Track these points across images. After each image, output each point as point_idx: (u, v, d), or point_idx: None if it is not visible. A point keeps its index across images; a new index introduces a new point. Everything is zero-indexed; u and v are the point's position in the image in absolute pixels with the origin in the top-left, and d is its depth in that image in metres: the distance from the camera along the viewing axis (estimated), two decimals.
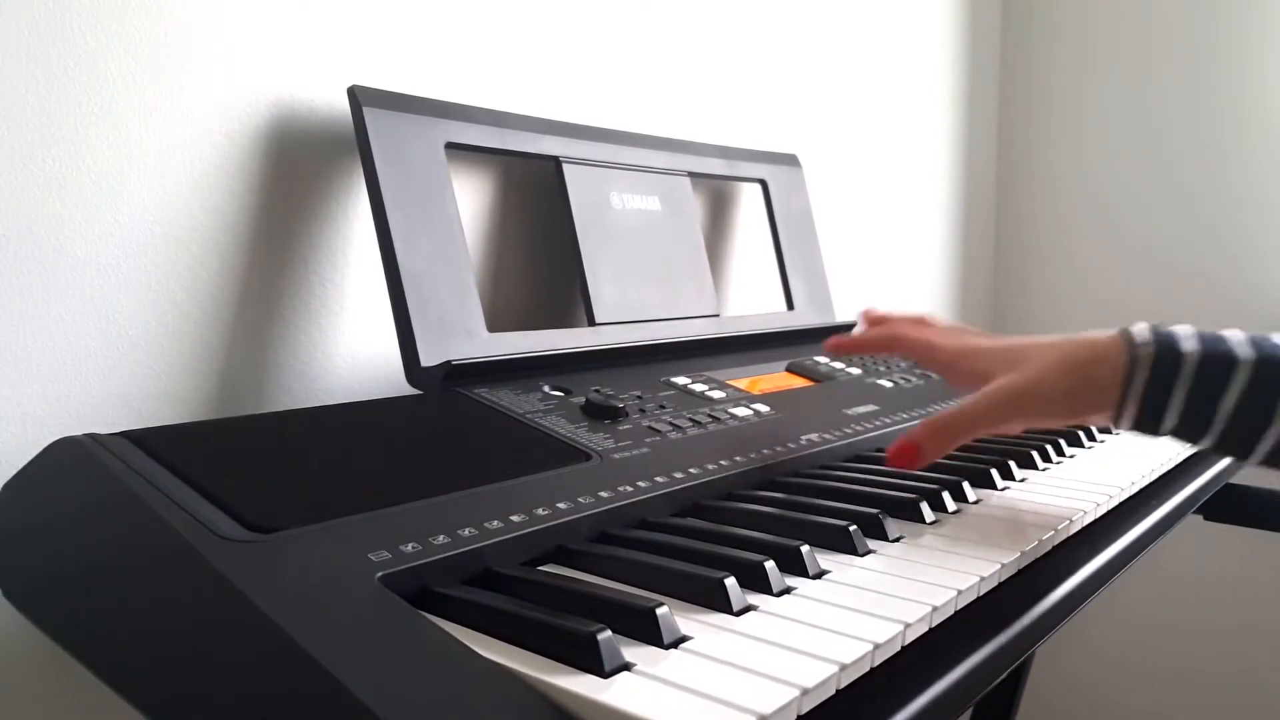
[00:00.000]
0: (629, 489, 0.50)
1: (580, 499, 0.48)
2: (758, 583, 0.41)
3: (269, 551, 0.37)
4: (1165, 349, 0.52)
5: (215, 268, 0.61)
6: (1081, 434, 0.75)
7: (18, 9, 0.52)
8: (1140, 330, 0.53)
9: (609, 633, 0.33)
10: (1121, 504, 0.62)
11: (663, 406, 0.63)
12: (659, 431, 0.59)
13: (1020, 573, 0.47)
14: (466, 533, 0.42)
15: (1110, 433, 0.78)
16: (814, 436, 0.65)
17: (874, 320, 0.68)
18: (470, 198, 0.75)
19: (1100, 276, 1.53)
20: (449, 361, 0.60)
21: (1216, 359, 0.51)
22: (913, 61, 1.37)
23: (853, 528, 0.47)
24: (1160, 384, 0.52)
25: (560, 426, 0.56)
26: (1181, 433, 0.53)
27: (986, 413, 0.55)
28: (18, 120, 0.52)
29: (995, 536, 0.50)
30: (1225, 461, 0.77)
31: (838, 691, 0.33)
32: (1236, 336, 0.53)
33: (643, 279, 0.78)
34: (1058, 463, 0.69)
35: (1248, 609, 1.43)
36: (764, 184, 0.96)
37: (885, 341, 0.64)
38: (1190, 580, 1.47)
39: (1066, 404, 0.54)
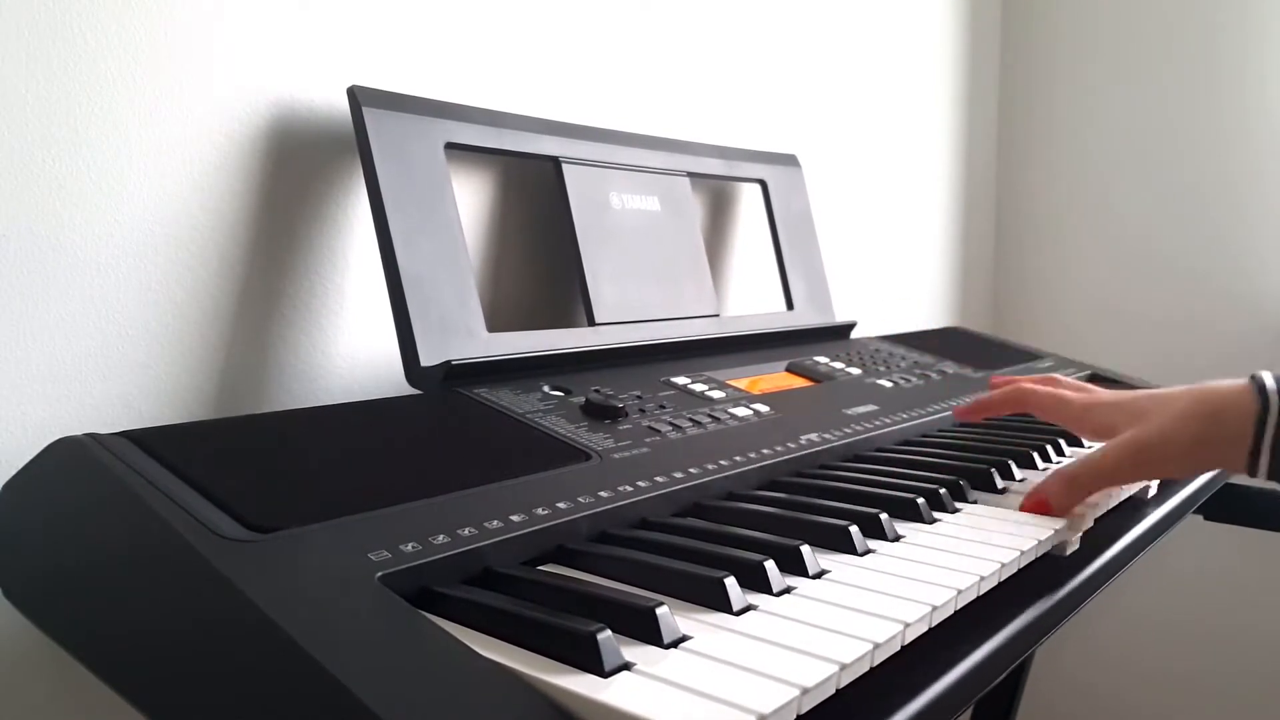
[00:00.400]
0: (629, 489, 0.50)
1: (580, 499, 0.48)
2: (757, 582, 0.41)
3: (269, 551, 0.37)
4: None
5: (215, 268, 0.61)
6: None
7: (18, 9, 0.52)
8: (1270, 379, 0.52)
9: (609, 632, 0.33)
10: (1121, 504, 0.62)
11: (663, 406, 0.63)
12: (659, 431, 0.59)
13: (1020, 572, 0.47)
14: (466, 532, 0.42)
15: None
16: (814, 436, 0.65)
17: (1001, 382, 0.68)
18: (470, 198, 0.75)
19: (1100, 277, 1.53)
20: (449, 361, 0.60)
21: None
22: (913, 61, 1.37)
23: (853, 527, 0.47)
24: None
25: (560, 426, 0.56)
26: None
27: (1112, 467, 0.55)
28: (18, 120, 0.52)
29: (995, 536, 0.50)
30: None
31: (838, 691, 0.33)
32: None
33: (642, 279, 0.78)
34: (1057, 462, 0.69)
35: (1248, 609, 1.43)
36: (763, 184, 0.96)
37: (1014, 398, 0.65)
38: (1190, 580, 1.47)
39: (1192, 455, 0.54)
